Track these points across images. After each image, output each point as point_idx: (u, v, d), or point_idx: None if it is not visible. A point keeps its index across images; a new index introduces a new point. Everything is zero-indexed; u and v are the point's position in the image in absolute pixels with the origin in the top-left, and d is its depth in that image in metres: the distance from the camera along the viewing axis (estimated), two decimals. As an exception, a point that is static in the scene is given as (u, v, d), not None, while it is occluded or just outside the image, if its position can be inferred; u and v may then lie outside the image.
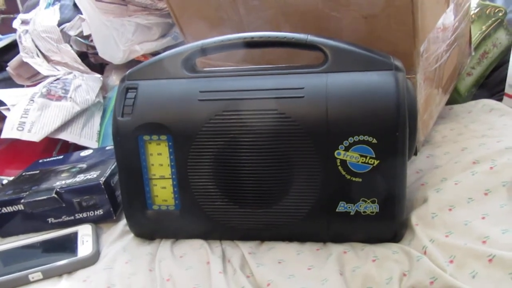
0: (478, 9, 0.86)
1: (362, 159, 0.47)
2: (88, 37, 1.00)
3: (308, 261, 0.49)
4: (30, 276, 0.51)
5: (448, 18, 0.63)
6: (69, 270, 0.52)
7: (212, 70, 0.53)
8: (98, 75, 0.97)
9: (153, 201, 0.54)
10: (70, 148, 0.88)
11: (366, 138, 0.46)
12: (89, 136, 0.83)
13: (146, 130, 0.51)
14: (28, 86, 1.03)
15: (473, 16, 0.86)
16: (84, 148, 0.81)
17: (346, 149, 0.47)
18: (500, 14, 0.84)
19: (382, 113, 0.46)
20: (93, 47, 0.99)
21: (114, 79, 0.97)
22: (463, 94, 0.85)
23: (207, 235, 0.54)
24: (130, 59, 0.93)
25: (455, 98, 0.83)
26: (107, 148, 0.74)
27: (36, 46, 0.99)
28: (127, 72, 0.54)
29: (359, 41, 0.51)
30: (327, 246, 0.51)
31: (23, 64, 1.01)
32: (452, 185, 0.52)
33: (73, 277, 0.51)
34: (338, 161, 0.47)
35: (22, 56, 0.98)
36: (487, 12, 0.85)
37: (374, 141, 0.46)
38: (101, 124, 0.87)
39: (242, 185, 0.50)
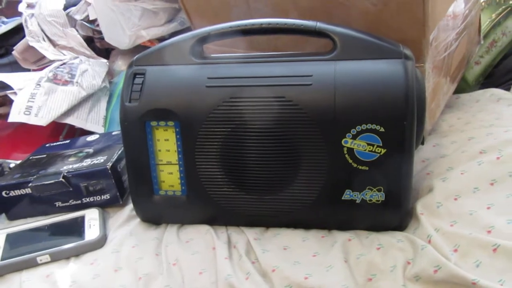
0: (488, -4, 0.85)
1: (369, 148, 0.47)
2: (94, 21, 0.99)
3: (313, 248, 0.49)
4: (38, 259, 0.52)
5: (458, 5, 0.62)
6: (77, 253, 0.53)
7: (220, 57, 0.53)
8: (104, 60, 0.97)
9: (159, 186, 0.54)
10: (76, 132, 0.88)
11: (373, 126, 0.46)
12: (95, 121, 0.83)
13: (153, 116, 0.51)
14: (34, 70, 1.03)
15: (483, 3, 0.84)
16: (90, 133, 0.81)
17: (354, 137, 0.47)
18: (511, 2, 0.82)
19: (391, 102, 0.45)
20: (99, 32, 0.99)
21: (120, 64, 0.97)
22: (470, 83, 0.84)
23: (213, 220, 0.55)
24: (136, 44, 0.93)
25: (462, 87, 0.83)
26: (114, 133, 0.74)
27: (42, 30, 0.99)
28: (135, 58, 0.54)
29: (368, 29, 0.50)
30: (332, 233, 0.51)
31: (29, 48, 1.01)
32: (458, 174, 0.52)
33: (81, 260, 0.52)
34: (345, 149, 0.47)
35: (28, 40, 0.98)
36: (498, 0, 0.84)
37: (382, 130, 0.46)
38: (107, 109, 0.87)
39: (249, 171, 0.50)
